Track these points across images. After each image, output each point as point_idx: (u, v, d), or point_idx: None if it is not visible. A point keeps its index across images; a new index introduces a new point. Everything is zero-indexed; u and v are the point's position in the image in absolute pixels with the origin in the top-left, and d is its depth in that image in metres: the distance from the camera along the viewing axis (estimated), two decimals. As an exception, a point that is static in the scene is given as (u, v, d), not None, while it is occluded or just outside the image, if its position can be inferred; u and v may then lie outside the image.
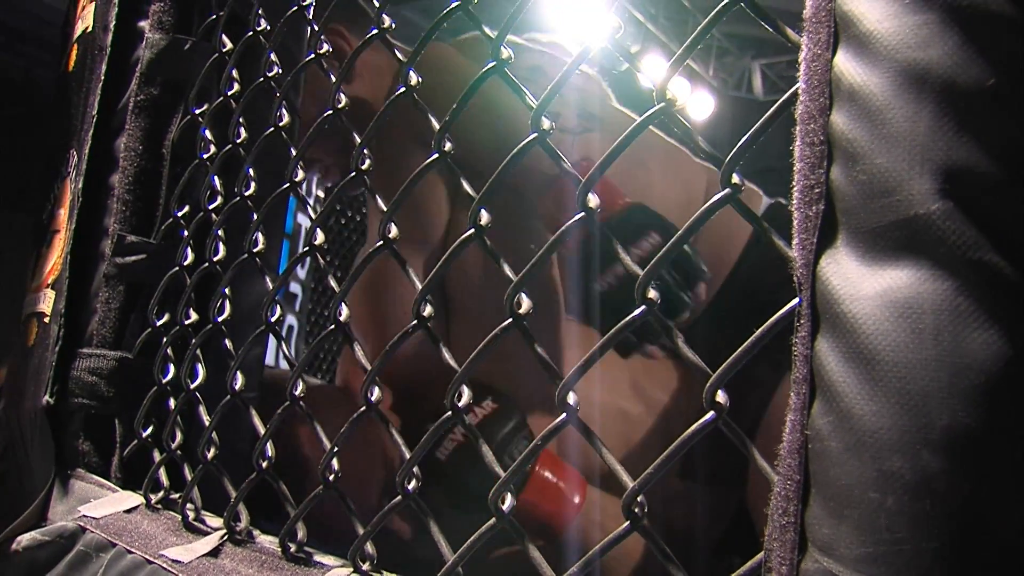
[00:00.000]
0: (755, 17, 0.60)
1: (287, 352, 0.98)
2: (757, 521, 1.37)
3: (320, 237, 0.92)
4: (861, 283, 0.46)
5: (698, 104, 7.87)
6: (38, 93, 8.29)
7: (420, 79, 0.85)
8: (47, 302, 1.30)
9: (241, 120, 1.11)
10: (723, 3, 0.60)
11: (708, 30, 0.62)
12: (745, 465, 1.34)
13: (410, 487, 0.77)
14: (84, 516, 1.07)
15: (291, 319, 3.92)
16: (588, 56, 0.69)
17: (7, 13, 7.75)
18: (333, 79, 0.94)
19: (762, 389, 1.39)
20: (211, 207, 1.13)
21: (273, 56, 1.07)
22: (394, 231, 0.84)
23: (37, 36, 7.83)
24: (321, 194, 3.38)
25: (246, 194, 1.06)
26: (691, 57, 0.64)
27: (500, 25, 0.75)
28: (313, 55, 0.98)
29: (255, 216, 1.04)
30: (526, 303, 0.69)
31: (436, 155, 0.79)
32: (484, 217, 0.73)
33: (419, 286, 0.78)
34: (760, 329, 0.54)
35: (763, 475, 0.53)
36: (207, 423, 1.03)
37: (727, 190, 0.57)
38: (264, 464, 0.93)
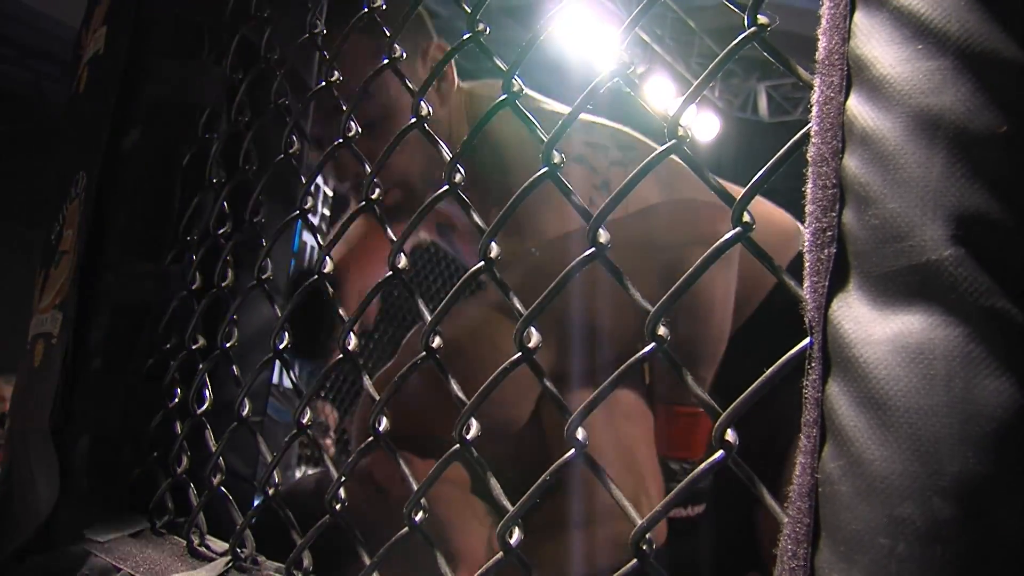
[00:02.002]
0: (767, 55, 0.60)
1: (295, 380, 0.99)
2: (764, 554, 1.36)
3: (328, 265, 0.93)
4: (872, 327, 0.46)
5: (703, 125, 7.89)
6: (47, 108, 8.33)
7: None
8: (54, 323, 1.31)
9: (251, 146, 1.11)
10: (736, 40, 0.60)
11: (723, 66, 0.62)
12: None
13: (417, 519, 0.77)
14: (89, 540, 1.07)
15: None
16: (599, 92, 0.69)
17: (17, 28, 7.79)
18: (344, 108, 0.94)
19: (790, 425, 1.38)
20: (220, 232, 1.13)
21: (284, 82, 1.08)
22: (403, 261, 0.84)
23: (46, 51, 7.87)
24: (327, 212, 3.37)
25: (255, 220, 1.06)
26: (696, 77, 0.64)
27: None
28: (324, 83, 0.99)
29: (264, 242, 1.04)
30: (535, 337, 0.69)
31: (446, 187, 0.79)
32: (494, 250, 0.74)
33: (428, 317, 0.78)
34: (770, 369, 0.54)
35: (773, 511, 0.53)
36: (213, 448, 1.03)
37: (738, 229, 0.57)
38: (270, 491, 0.93)
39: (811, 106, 0.53)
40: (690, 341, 1.34)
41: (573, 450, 0.64)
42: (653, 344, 0.61)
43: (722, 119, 8.37)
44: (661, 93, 7.52)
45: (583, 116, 0.71)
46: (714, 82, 8.31)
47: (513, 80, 0.76)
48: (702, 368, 1.37)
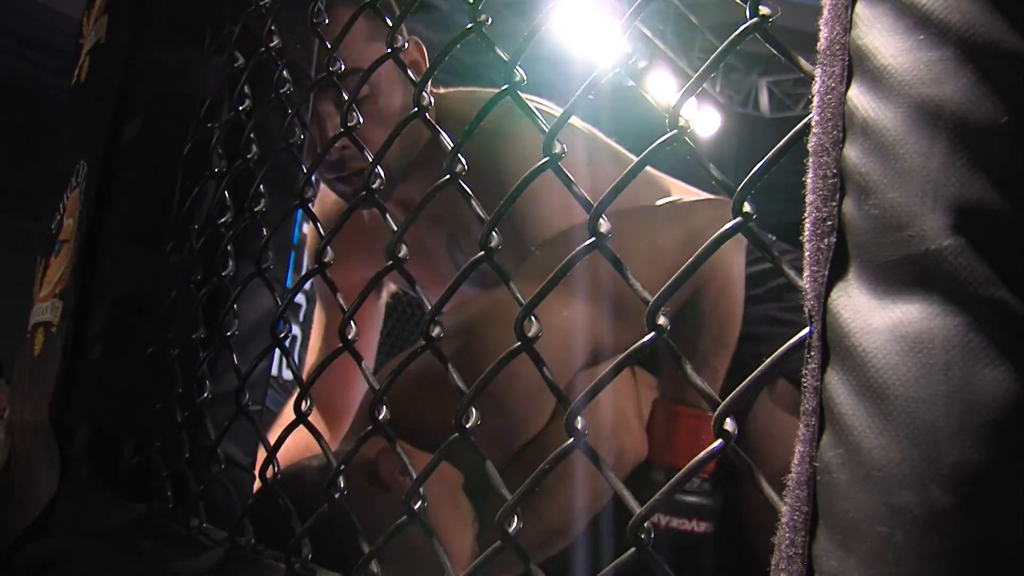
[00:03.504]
0: (769, 46, 0.60)
1: (295, 366, 0.99)
2: (755, 542, 1.35)
3: (329, 254, 0.93)
4: (872, 317, 0.46)
5: (704, 121, 7.88)
6: (45, 100, 8.33)
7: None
8: (55, 312, 1.31)
9: (252, 136, 1.11)
10: (739, 31, 0.60)
11: (724, 56, 0.62)
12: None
13: (416, 507, 0.77)
14: (88, 528, 1.07)
15: (295, 329, 3.94)
16: (600, 83, 0.69)
17: (16, 20, 7.79)
18: (346, 97, 0.94)
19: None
20: (221, 221, 1.13)
21: (285, 73, 1.08)
22: (403, 251, 0.84)
23: (46, 43, 7.87)
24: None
25: (256, 210, 1.06)
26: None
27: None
28: (326, 73, 0.99)
29: (265, 231, 1.04)
30: (535, 327, 0.69)
31: (447, 176, 0.79)
32: (494, 239, 0.74)
33: (429, 305, 0.79)
34: (769, 359, 0.54)
35: (767, 499, 0.53)
36: (212, 436, 1.04)
37: (738, 219, 0.57)
38: (269, 478, 0.93)
39: (812, 96, 0.53)
40: (714, 322, 1.33)
41: (573, 439, 0.64)
42: (653, 334, 0.61)
43: (723, 115, 8.36)
44: (662, 88, 7.52)
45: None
46: (715, 76, 8.30)
47: (516, 69, 0.75)
48: (719, 355, 1.36)
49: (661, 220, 1.43)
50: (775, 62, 8.22)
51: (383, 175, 0.86)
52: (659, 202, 1.54)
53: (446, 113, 1.52)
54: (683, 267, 0.60)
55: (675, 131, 0.62)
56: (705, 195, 1.64)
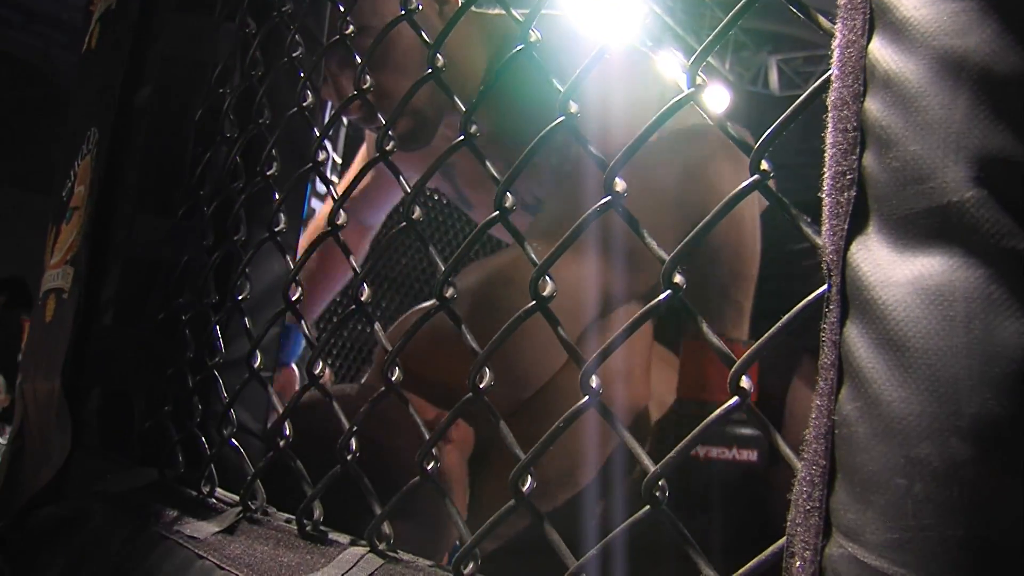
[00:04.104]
0: (787, 4, 0.60)
1: (307, 332, 0.98)
2: (775, 505, 1.34)
3: (342, 217, 0.92)
4: (892, 270, 0.46)
5: (713, 98, 7.85)
6: (55, 74, 8.32)
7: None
8: (66, 278, 1.31)
9: (264, 101, 1.11)
10: (756, -11, 0.60)
11: (740, 15, 0.61)
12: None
13: (428, 467, 0.77)
14: (100, 492, 1.08)
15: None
16: (615, 42, 0.69)
17: (25, -8, 7.76)
18: (359, 61, 0.94)
19: (779, 373, 1.38)
20: (232, 186, 1.13)
21: (297, 37, 1.07)
22: (417, 212, 0.84)
23: (55, 17, 7.86)
24: (336, 179, 3.38)
25: (268, 174, 1.06)
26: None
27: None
28: (339, 36, 0.98)
29: (277, 195, 1.04)
30: (550, 286, 0.69)
31: (462, 137, 0.79)
32: (509, 200, 0.73)
33: (442, 267, 0.78)
34: (786, 316, 0.54)
35: (786, 460, 0.53)
36: (224, 401, 1.04)
37: (755, 176, 0.57)
38: (281, 442, 0.93)
39: (832, 52, 0.53)
40: (728, 256, 1.31)
41: (588, 398, 0.64)
42: (669, 292, 0.60)
43: (733, 92, 8.33)
44: (671, 65, 7.49)
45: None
46: (725, 53, 8.26)
47: (531, 30, 0.75)
48: (740, 287, 1.33)
49: (655, 156, 1.41)
50: (785, 40, 8.17)
51: (414, 124, 0.85)
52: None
53: (499, 33, 1.51)
54: (698, 227, 0.60)
55: (692, 90, 0.62)
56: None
